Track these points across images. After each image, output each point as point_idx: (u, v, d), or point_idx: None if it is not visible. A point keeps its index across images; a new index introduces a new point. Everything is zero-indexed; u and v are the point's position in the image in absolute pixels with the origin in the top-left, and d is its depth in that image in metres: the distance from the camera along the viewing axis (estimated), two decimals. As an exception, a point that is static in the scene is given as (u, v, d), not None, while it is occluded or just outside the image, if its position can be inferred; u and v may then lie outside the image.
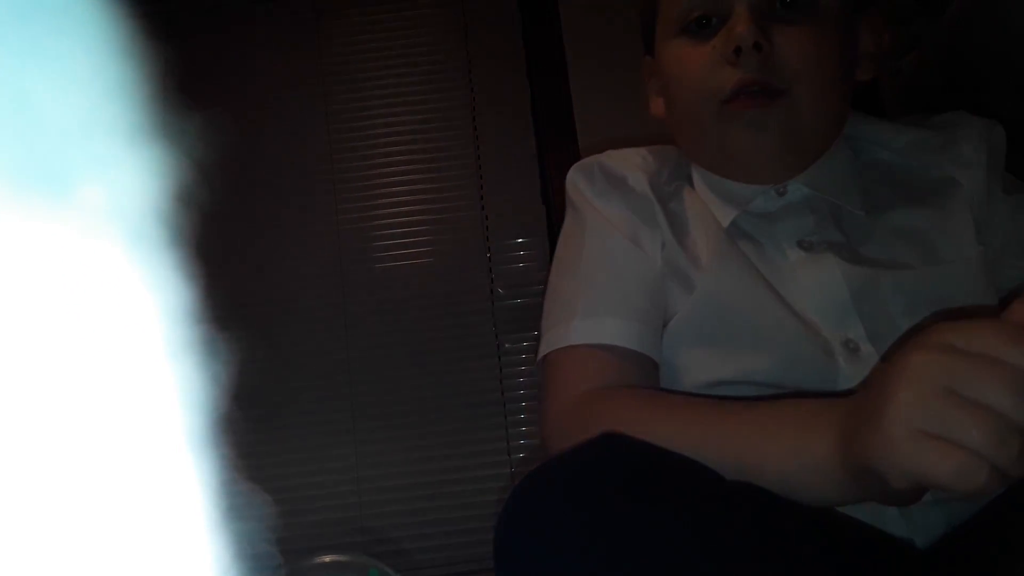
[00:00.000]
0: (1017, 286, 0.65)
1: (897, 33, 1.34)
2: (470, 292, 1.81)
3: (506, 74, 1.92)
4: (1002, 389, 0.38)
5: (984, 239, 0.68)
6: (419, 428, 1.72)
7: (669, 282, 0.70)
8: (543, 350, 0.72)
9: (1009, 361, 0.39)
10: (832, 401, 0.50)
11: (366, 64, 1.95)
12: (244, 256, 1.83)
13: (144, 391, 0.25)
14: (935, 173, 0.71)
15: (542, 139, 1.86)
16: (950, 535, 0.57)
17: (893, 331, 0.63)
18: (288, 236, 1.85)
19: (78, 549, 0.23)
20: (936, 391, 0.40)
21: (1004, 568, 0.44)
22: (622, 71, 1.83)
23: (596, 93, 1.84)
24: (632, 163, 0.78)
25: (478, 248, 1.84)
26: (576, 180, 0.79)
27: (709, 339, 0.67)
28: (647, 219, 0.73)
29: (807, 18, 0.67)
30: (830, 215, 0.70)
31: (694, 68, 0.69)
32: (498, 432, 1.73)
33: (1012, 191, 0.70)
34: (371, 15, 1.97)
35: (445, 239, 1.84)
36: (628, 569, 0.44)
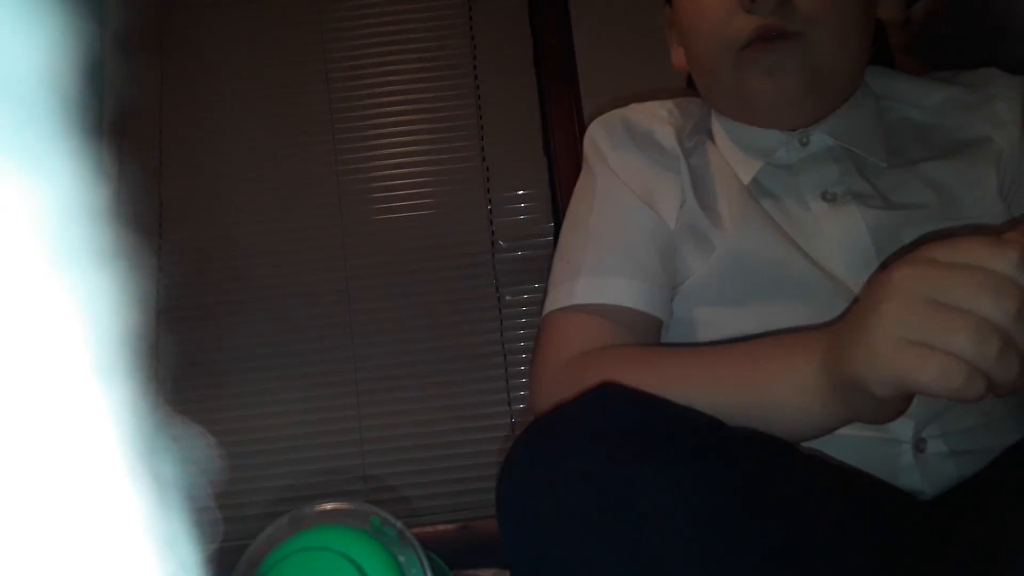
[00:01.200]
0: None
1: (907, -19, 1.31)
2: (471, 244, 1.81)
3: (508, 25, 1.89)
4: (981, 293, 0.39)
5: (1013, 196, 0.67)
6: (421, 379, 1.74)
7: (686, 241, 0.70)
8: (547, 308, 0.71)
9: (987, 267, 0.40)
10: (819, 329, 0.51)
11: (366, 12, 1.92)
12: (244, 209, 1.82)
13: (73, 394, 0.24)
14: (967, 132, 0.70)
15: (544, 91, 1.84)
16: (955, 487, 0.57)
17: None
18: (288, 188, 1.84)
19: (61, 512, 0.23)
20: (917, 300, 0.41)
21: (1010, 521, 0.45)
22: (625, 23, 1.80)
23: (599, 45, 1.81)
24: (659, 117, 0.77)
25: (479, 200, 1.83)
26: (595, 135, 0.78)
27: (732, 296, 0.67)
28: (670, 175, 0.72)
29: None
30: (854, 166, 0.69)
31: (711, 16, 0.68)
32: (499, 383, 1.75)
33: None
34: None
35: (446, 191, 1.83)
36: (632, 517, 0.44)
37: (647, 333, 0.68)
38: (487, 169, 1.84)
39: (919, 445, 0.60)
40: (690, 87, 0.84)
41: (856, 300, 0.63)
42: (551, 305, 0.70)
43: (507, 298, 1.79)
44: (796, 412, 0.51)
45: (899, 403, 0.45)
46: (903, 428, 0.60)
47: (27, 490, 0.22)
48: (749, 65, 0.67)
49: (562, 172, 1.78)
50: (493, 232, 1.82)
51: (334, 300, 1.78)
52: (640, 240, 0.70)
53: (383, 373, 1.75)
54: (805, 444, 0.60)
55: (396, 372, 1.74)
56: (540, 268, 1.80)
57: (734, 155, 0.72)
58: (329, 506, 0.69)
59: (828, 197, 0.68)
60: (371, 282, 1.79)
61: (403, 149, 1.86)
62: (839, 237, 0.66)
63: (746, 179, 0.70)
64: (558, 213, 1.79)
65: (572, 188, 1.78)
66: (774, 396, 0.51)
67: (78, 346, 0.23)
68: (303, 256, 1.81)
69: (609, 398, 0.52)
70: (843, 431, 0.57)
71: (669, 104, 0.79)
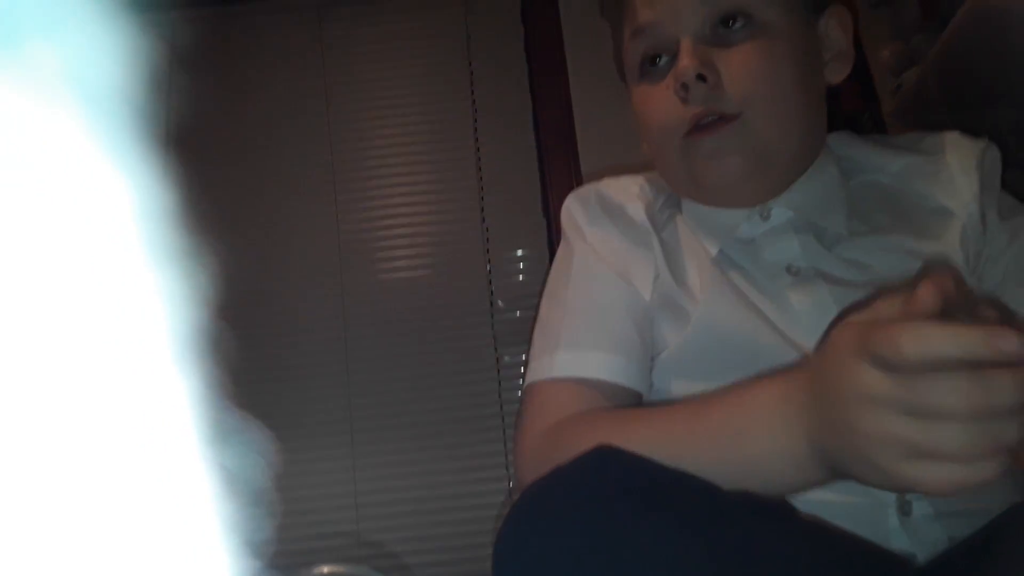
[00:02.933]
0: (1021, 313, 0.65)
1: (898, 48, 1.35)
2: (470, 305, 1.81)
3: (508, 86, 1.93)
4: (955, 397, 0.39)
5: (983, 270, 0.67)
6: (418, 441, 1.72)
7: (661, 314, 0.70)
8: (527, 379, 0.72)
9: (943, 355, 0.40)
10: (781, 383, 0.51)
11: (368, 75, 1.96)
12: (243, 266, 1.83)
13: (139, 392, 0.25)
14: (930, 202, 0.70)
15: (543, 152, 1.87)
16: (950, 551, 0.56)
17: None
18: (288, 246, 1.85)
19: (79, 541, 0.23)
20: (896, 411, 0.41)
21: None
22: (624, 85, 1.84)
23: (598, 107, 1.85)
24: (630, 192, 0.78)
25: (478, 260, 1.84)
26: (571, 208, 0.79)
27: (705, 369, 0.67)
28: (642, 250, 0.74)
29: (752, 37, 0.66)
30: (815, 237, 0.69)
31: (654, 109, 0.71)
32: (497, 446, 1.72)
33: (1008, 216, 0.69)
34: (373, 24, 1.98)
35: (445, 251, 1.84)
36: None
37: (625, 403, 0.68)
38: (486, 230, 1.85)
39: (904, 508, 0.59)
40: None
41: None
42: (532, 376, 0.71)
43: (505, 359, 1.78)
44: (777, 475, 0.51)
45: None
46: (886, 492, 0.59)
47: (86, 477, 0.22)
48: (693, 151, 0.68)
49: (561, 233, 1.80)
50: (492, 292, 1.82)
51: (332, 360, 1.78)
52: (616, 313, 0.71)
53: (380, 435, 1.73)
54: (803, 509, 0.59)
55: (393, 434, 1.72)
56: (539, 329, 1.79)
57: (700, 231, 0.73)
58: (326, 569, 0.68)
59: (792, 271, 0.68)
60: (369, 342, 1.79)
61: (403, 209, 1.88)
62: (807, 310, 0.66)
63: (713, 252, 0.71)
64: (557, 274, 1.80)
65: (571, 249, 1.79)
66: (762, 464, 0.51)
67: (139, 339, 0.24)
68: (301, 315, 1.80)
69: (605, 461, 0.51)
70: (828, 497, 0.57)
71: (640, 179, 0.80)
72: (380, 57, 1.97)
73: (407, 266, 1.84)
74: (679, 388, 0.68)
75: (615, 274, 0.72)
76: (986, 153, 0.71)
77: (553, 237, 1.81)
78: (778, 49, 0.67)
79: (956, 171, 0.70)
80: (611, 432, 0.58)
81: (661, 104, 0.69)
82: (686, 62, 0.65)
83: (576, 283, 0.74)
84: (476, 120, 1.92)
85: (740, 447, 0.52)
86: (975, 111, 1.14)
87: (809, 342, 0.64)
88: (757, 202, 0.71)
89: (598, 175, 0.84)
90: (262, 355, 1.77)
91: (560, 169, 1.83)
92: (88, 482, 0.23)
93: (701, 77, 0.65)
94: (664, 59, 0.70)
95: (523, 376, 1.75)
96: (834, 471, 0.47)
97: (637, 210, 0.76)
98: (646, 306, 0.71)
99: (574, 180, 1.81)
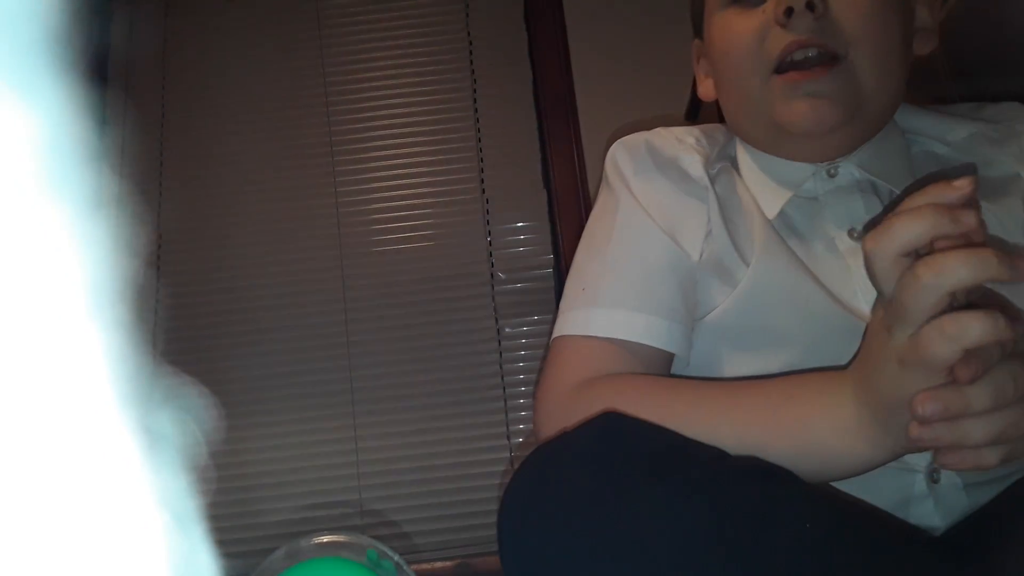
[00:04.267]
0: None
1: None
2: (470, 276, 1.81)
3: (508, 57, 1.91)
4: (983, 399, 0.43)
5: None
6: (419, 412, 1.72)
7: (709, 274, 0.67)
8: (558, 331, 0.69)
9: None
10: (831, 375, 0.52)
11: (367, 46, 1.94)
12: (244, 238, 1.82)
13: (94, 378, 0.24)
14: (994, 169, 0.68)
15: (543, 122, 1.85)
16: (967, 522, 0.56)
17: None
18: (288, 218, 1.84)
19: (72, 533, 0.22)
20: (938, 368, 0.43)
21: (1016, 554, 0.44)
22: (624, 54, 1.82)
23: (598, 77, 1.83)
24: (686, 144, 0.74)
25: (478, 232, 1.83)
26: (617, 157, 0.74)
27: (754, 334, 0.65)
28: (696, 205, 0.70)
29: None
30: (879, 200, 0.67)
31: (743, 36, 0.65)
32: (498, 416, 1.73)
33: None
34: (372, -4, 1.96)
35: (445, 223, 1.84)
36: (634, 549, 0.43)
37: (659, 367, 0.66)
38: (486, 201, 1.84)
39: (933, 475, 0.59)
40: (689, 119, 0.83)
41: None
42: (563, 329, 0.68)
43: (506, 330, 1.78)
44: (838, 454, 0.51)
45: None
46: (917, 456, 0.59)
47: (26, 445, 0.22)
48: (786, 90, 0.64)
49: (562, 204, 1.79)
50: (492, 264, 1.82)
51: (332, 332, 1.78)
52: (660, 273, 0.67)
53: (381, 406, 1.73)
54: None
55: (394, 405, 1.73)
56: (540, 300, 1.79)
57: (760, 186, 0.70)
58: (326, 538, 0.68)
59: (855, 235, 0.66)
60: (370, 314, 1.79)
61: (403, 181, 1.87)
62: (865, 275, 0.65)
63: (771, 213, 0.68)
64: (558, 245, 1.80)
65: (572, 220, 1.80)
66: (811, 438, 0.51)
67: (73, 290, 0.23)
68: (302, 287, 1.80)
69: (612, 428, 0.51)
70: None
71: (696, 131, 0.76)
72: (378, 28, 1.95)
73: (407, 237, 1.83)
74: (726, 351, 0.66)
75: (661, 231, 0.68)
76: None
77: (554, 208, 1.81)
78: (892, 2, 0.64)
79: (1023, 136, 0.68)
80: (642, 401, 0.57)
81: (752, 31, 0.64)
82: None
83: (619, 237, 0.70)
84: (476, 91, 1.90)
85: (795, 430, 0.52)
86: (982, 80, 1.13)
87: (868, 307, 0.62)
88: (832, 157, 0.68)
89: (598, 145, 0.81)
90: (263, 327, 1.78)
91: (560, 140, 1.81)
92: (38, 457, 0.22)
93: (810, 5, 0.60)
94: None
95: (534, 341, 1.76)
96: (891, 431, 0.48)
97: (694, 163, 0.72)
98: (692, 266, 0.68)
99: (575, 151, 1.80)
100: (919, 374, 0.44)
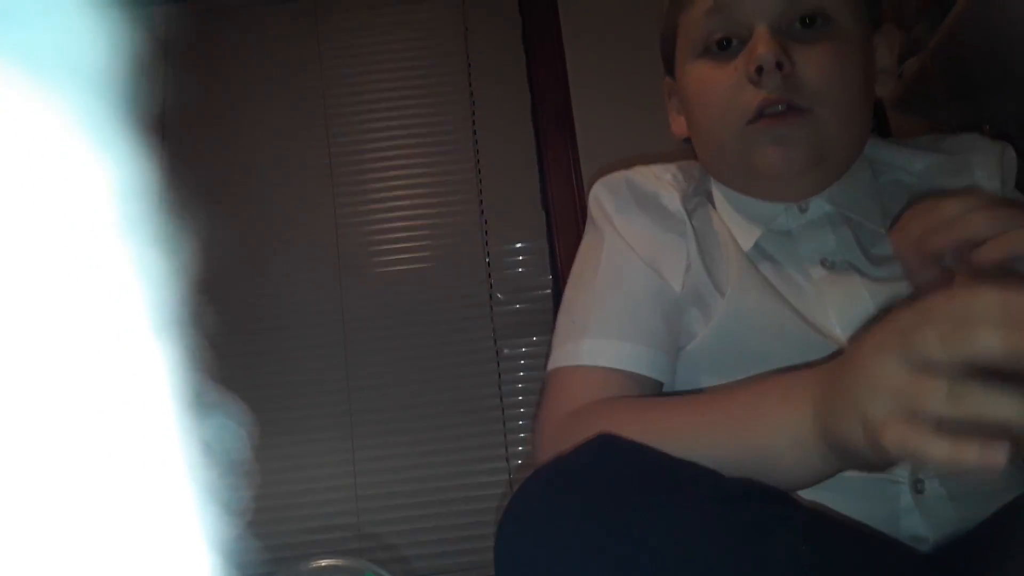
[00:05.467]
0: None
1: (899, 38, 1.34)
2: (469, 297, 1.81)
3: (506, 79, 1.93)
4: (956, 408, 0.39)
5: None
6: (417, 434, 1.72)
7: (690, 305, 0.71)
8: (551, 364, 0.72)
9: (973, 317, 0.39)
10: (804, 374, 0.51)
11: (365, 69, 1.95)
12: (242, 260, 1.83)
13: (134, 390, 0.24)
14: None
15: (542, 143, 1.86)
16: (957, 541, 0.56)
17: None
18: (287, 240, 1.84)
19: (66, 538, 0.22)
20: (899, 368, 0.41)
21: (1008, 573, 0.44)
22: (622, 76, 1.83)
23: (596, 99, 1.85)
24: (663, 181, 0.77)
25: (477, 253, 1.83)
26: (600, 196, 0.78)
27: (732, 361, 0.67)
28: (676, 239, 0.73)
29: (827, 37, 0.67)
30: (851, 232, 0.70)
31: (717, 89, 0.70)
32: (496, 438, 1.73)
33: None
34: (370, 18, 1.97)
35: (444, 244, 1.84)
36: (628, 570, 0.43)
37: (648, 393, 0.69)
38: (485, 222, 1.85)
39: (917, 486, 0.60)
40: (686, 143, 0.85)
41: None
42: (556, 362, 0.71)
43: (505, 351, 1.78)
44: (793, 464, 0.51)
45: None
46: (900, 468, 0.60)
47: (68, 450, 0.22)
48: (758, 136, 0.68)
49: (560, 226, 1.79)
50: (491, 285, 1.82)
51: (331, 353, 1.78)
52: (645, 304, 0.71)
53: (379, 427, 1.73)
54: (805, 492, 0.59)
55: (392, 426, 1.73)
56: (538, 321, 1.79)
57: (734, 221, 0.73)
58: (324, 562, 0.68)
59: (827, 264, 0.69)
60: (369, 335, 1.79)
61: (402, 202, 1.87)
62: (841, 303, 0.66)
63: (746, 246, 0.71)
64: (556, 266, 1.80)
65: (570, 242, 1.80)
66: (771, 449, 0.51)
67: (124, 314, 0.24)
68: (300, 308, 1.80)
69: (607, 450, 0.52)
70: (843, 472, 0.57)
71: (672, 168, 0.80)
72: (377, 49, 1.96)
73: (406, 259, 1.84)
74: (706, 380, 0.69)
75: (645, 264, 0.72)
76: (1004, 153, 0.73)
77: (553, 230, 1.81)
78: (852, 54, 0.68)
79: (978, 169, 0.72)
80: (627, 420, 0.59)
81: (726, 86, 0.69)
82: (766, 48, 0.65)
83: (606, 271, 0.73)
84: (474, 112, 1.92)
85: (751, 430, 0.53)
86: (976, 101, 1.14)
87: (842, 333, 0.65)
88: (803, 196, 0.72)
89: (597, 168, 0.83)
90: (261, 349, 1.77)
91: (559, 161, 1.82)
92: (72, 464, 0.23)
93: (779, 65, 0.65)
94: (735, 43, 0.69)
95: (533, 362, 1.75)
96: (838, 458, 0.47)
97: (672, 199, 0.75)
98: (676, 297, 0.71)
99: (573, 172, 1.81)
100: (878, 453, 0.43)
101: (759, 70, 0.65)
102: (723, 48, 0.70)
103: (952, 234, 0.52)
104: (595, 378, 0.68)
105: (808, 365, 0.62)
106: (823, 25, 0.68)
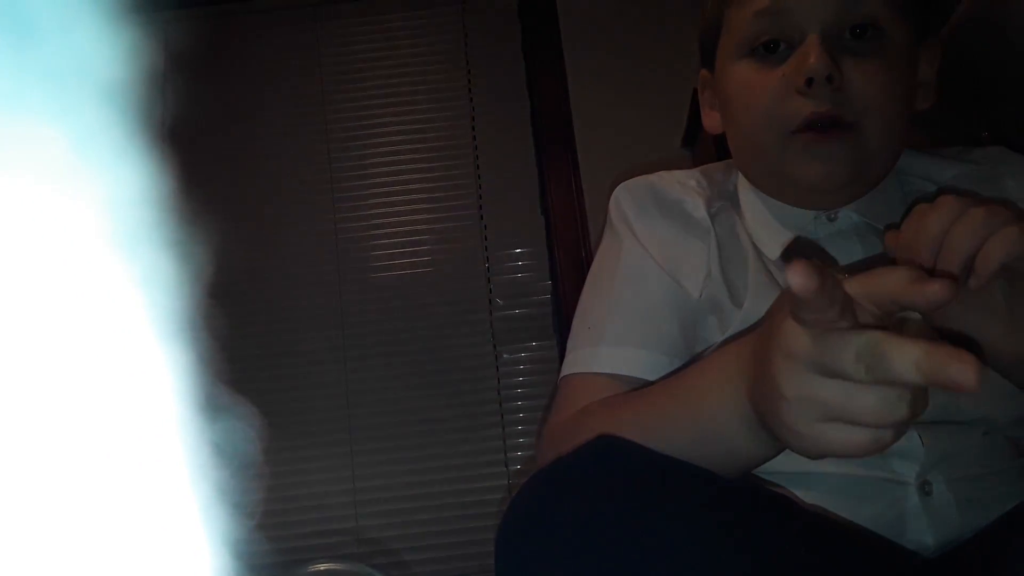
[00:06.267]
0: None
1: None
2: (468, 303, 1.81)
3: (506, 85, 1.93)
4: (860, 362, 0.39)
5: None
6: (416, 438, 1.72)
7: (708, 313, 0.70)
8: (566, 369, 0.72)
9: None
10: (738, 350, 0.50)
11: (365, 75, 1.96)
12: (239, 266, 1.83)
13: (137, 395, 0.25)
14: None
15: (541, 149, 1.87)
16: (959, 549, 0.56)
17: None
18: (286, 245, 1.84)
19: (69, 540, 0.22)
20: (813, 374, 0.40)
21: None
22: (622, 83, 1.84)
23: (596, 105, 1.85)
24: (688, 187, 0.77)
25: (476, 259, 1.83)
26: (621, 199, 0.77)
27: None
28: (698, 246, 0.73)
29: (877, 51, 0.66)
30: (879, 243, 0.69)
31: (762, 94, 0.68)
32: (495, 442, 1.73)
33: None
34: (369, 24, 1.98)
35: (443, 249, 1.84)
36: (628, 573, 0.43)
37: None
38: (484, 228, 1.85)
39: (924, 488, 0.60)
40: (685, 150, 0.84)
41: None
42: (572, 368, 0.71)
43: (504, 356, 1.78)
44: (747, 439, 0.50)
45: None
46: (907, 469, 0.60)
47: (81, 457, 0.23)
48: (799, 149, 0.67)
49: (559, 231, 1.80)
50: (490, 290, 1.82)
51: (330, 358, 1.77)
52: (661, 312, 0.70)
53: (378, 432, 1.73)
54: (808, 498, 0.60)
55: (391, 431, 1.73)
56: (537, 326, 1.79)
57: (762, 227, 0.72)
58: (323, 567, 0.68)
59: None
60: (368, 340, 1.79)
61: (401, 208, 1.87)
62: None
63: (773, 254, 0.70)
64: (556, 271, 1.80)
65: (569, 247, 1.80)
66: (722, 428, 0.51)
67: (132, 327, 0.24)
68: (299, 314, 1.80)
69: (606, 451, 0.52)
70: (849, 471, 0.58)
71: (696, 173, 0.79)
72: (376, 55, 1.97)
73: (405, 264, 1.84)
74: None
75: (663, 271, 0.72)
76: None
77: (552, 235, 1.81)
78: (899, 69, 0.67)
79: (1008, 178, 0.72)
80: (606, 419, 0.59)
81: (772, 92, 0.67)
82: (817, 59, 0.63)
83: (623, 277, 0.73)
84: (474, 117, 1.92)
85: (699, 409, 0.52)
86: (977, 107, 1.14)
87: None
88: (833, 206, 0.71)
89: (595, 173, 0.83)
90: (260, 354, 1.77)
91: (558, 166, 1.83)
92: (82, 464, 0.23)
93: (830, 78, 0.64)
94: (783, 46, 0.68)
95: (532, 367, 1.75)
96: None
97: (697, 205, 0.75)
98: (694, 305, 0.70)
99: (572, 177, 1.81)
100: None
101: (809, 82, 0.64)
102: (770, 50, 0.68)
103: (936, 251, 0.50)
104: (610, 385, 0.68)
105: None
106: (874, 37, 0.66)
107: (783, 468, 0.60)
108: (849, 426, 0.40)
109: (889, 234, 0.55)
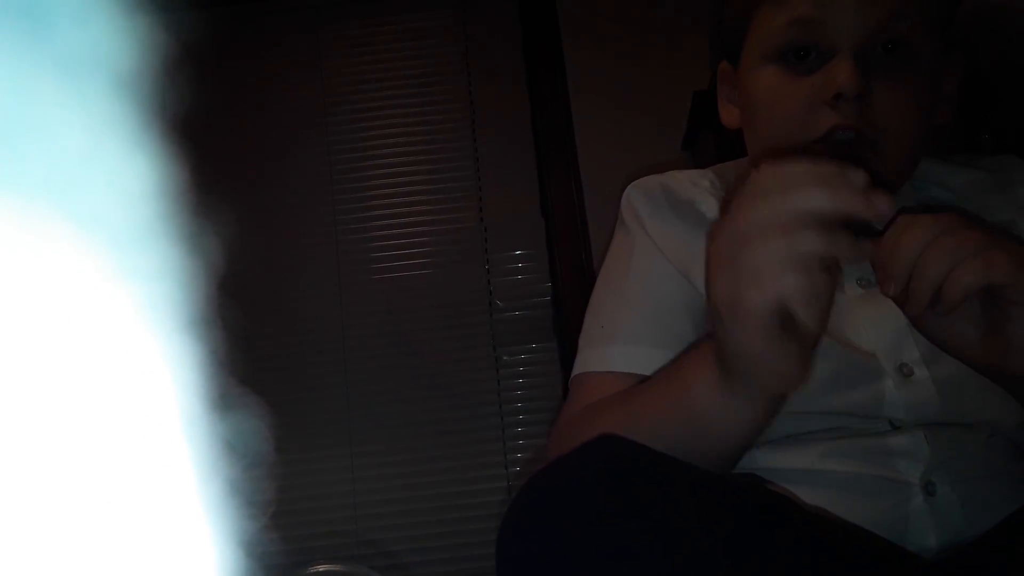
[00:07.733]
0: None
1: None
2: (468, 304, 1.81)
3: (506, 87, 1.93)
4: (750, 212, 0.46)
5: None
6: (416, 440, 1.72)
7: None
8: (579, 368, 0.72)
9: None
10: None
11: (366, 77, 1.96)
12: (239, 267, 1.83)
13: (141, 399, 0.25)
14: (993, 215, 0.71)
15: (542, 152, 1.87)
16: (961, 551, 0.56)
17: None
18: (286, 246, 1.85)
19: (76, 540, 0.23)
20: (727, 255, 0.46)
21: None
22: (623, 85, 1.84)
23: (596, 107, 1.85)
24: (701, 187, 0.77)
25: (477, 260, 1.84)
26: (633, 198, 0.77)
27: None
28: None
29: (907, 71, 0.66)
30: None
31: (788, 102, 0.68)
32: (495, 444, 1.73)
33: None
34: (370, 27, 1.98)
35: (444, 251, 1.85)
36: (628, 573, 0.44)
37: None
38: (485, 230, 1.85)
39: (928, 488, 0.60)
40: (685, 152, 0.84)
41: (903, 369, 0.65)
42: (584, 366, 0.71)
43: (504, 358, 1.78)
44: (720, 413, 0.53)
45: (786, 360, 0.48)
46: (912, 469, 0.60)
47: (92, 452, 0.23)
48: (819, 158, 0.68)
49: (560, 233, 1.80)
50: (491, 292, 1.82)
51: (330, 360, 1.78)
52: (674, 310, 0.70)
53: (378, 434, 1.73)
54: (811, 497, 0.60)
55: (391, 433, 1.73)
56: (538, 328, 1.79)
57: None
58: (323, 568, 0.68)
59: (863, 284, 0.69)
60: (368, 342, 1.79)
61: (401, 209, 1.88)
62: (873, 319, 0.66)
63: None
64: (556, 273, 1.80)
65: (570, 249, 1.80)
66: (695, 406, 0.54)
67: (144, 317, 0.24)
68: (299, 316, 1.81)
69: (607, 451, 0.52)
70: (852, 469, 0.59)
71: (708, 174, 0.79)
72: (377, 57, 1.97)
73: (406, 266, 1.84)
74: None
75: (676, 269, 0.72)
76: None
77: (552, 237, 1.81)
78: (926, 90, 0.67)
79: (1019, 186, 0.72)
80: (606, 417, 0.60)
81: (799, 101, 0.67)
82: (848, 78, 0.63)
83: (635, 276, 0.73)
84: (474, 119, 1.92)
85: (682, 390, 0.55)
86: (976, 110, 1.14)
87: (872, 347, 0.65)
88: None
89: (595, 176, 0.82)
90: (260, 356, 1.77)
91: (558, 168, 1.83)
92: (89, 461, 0.23)
93: (859, 96, 0.64)
94: (813, 55, 0.67)
95: (532, 369, 1.75)
96: (744, 385, 0.50)
97: (711, 205, 0.75)
98: (705, 304, 0.71)
99: (572, 179, 1.81)
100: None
101: (839, 96, 0.64)
102: (799, 58, 0.68)
103: (908, 274, 0.51)
104: (622, 384, 0.67)
105: (837, 379, 0.64)
106: (904, 56, 0.66)
107: (785, 466, 0.61)
108: (760, 284, 0.44)
109: (871, 242, 0.55)
